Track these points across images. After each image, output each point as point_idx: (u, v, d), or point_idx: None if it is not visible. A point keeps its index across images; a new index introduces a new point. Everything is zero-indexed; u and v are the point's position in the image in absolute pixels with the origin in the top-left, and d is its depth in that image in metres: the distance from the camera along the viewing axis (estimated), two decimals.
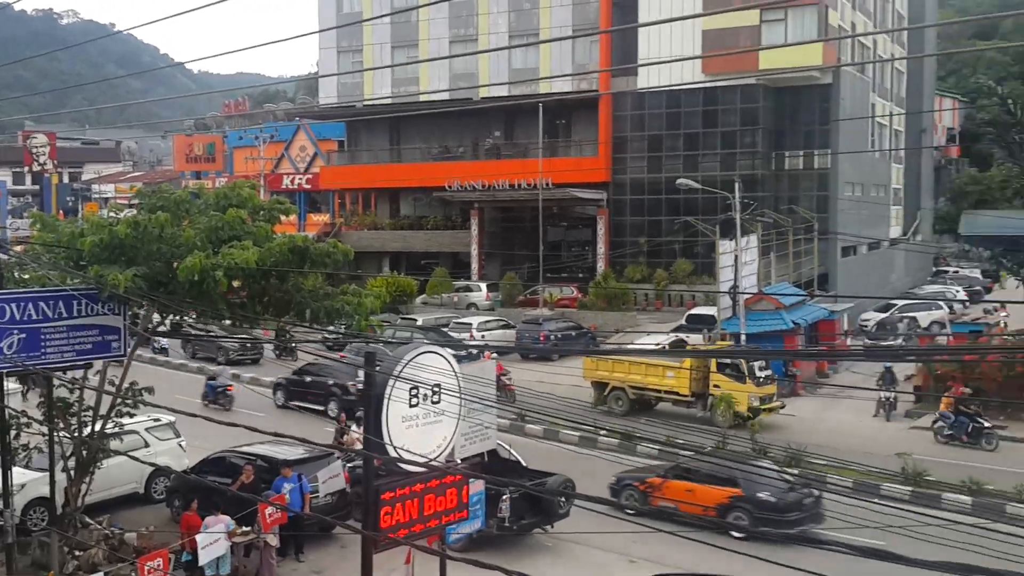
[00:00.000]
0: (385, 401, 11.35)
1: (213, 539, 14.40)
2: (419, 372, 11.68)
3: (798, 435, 24.38)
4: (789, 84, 43.58)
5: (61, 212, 67.00)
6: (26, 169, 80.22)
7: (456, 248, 50.19)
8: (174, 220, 15.24)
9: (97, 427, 16.16)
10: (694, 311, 36.98)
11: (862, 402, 28.00)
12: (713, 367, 26.26)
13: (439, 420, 12.08)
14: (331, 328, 16.55)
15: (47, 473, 16.10)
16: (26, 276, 15.97)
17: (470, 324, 37.94)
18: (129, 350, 15.68)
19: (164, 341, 35.50)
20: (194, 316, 16.92)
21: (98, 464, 16.45)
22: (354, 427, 22.10)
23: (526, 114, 46.17)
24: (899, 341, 34.64)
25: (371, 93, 51.43)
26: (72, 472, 16.02)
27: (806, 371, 31.78)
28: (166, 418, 20.31)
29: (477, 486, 12.72)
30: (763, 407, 26.17)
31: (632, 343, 30.95)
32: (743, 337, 29.51)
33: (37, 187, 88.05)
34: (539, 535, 17.97)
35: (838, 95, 43.01)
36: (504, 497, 16.74)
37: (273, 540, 15.77)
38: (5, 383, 14.98)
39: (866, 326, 40.36)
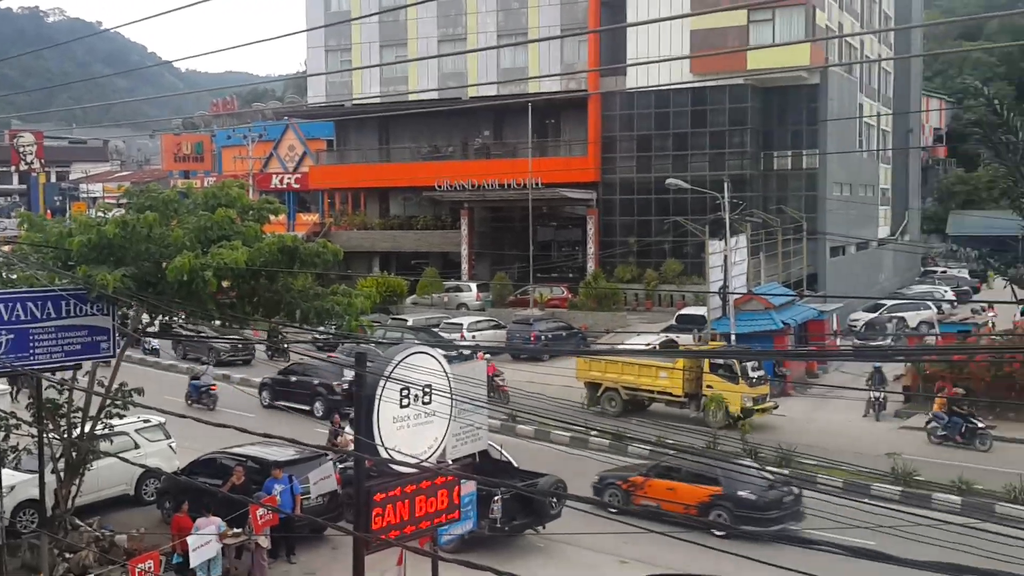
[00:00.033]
0: (376, 402, 11.34)
1: (204, 541, 14.36)
2: (410, 373, 11.67)
3: (788, 435, 24.45)
4: (777, 84, 43.72)
5: (49, 212, 66.71)
6: (13, 168, 79.86)
7: (446, 248, 50.16)
8: (163, 220, 15.19)
9: (87, 428, 16.09)
10: (684, 311, 37.05)
11: (852, 402, 28.10)
12: (706, 367, 26.31)
13: (430, 421, 12.08)
14: (321, 329, 16.52)
15: (37, 475, 16.03)
16: (14, 276, 15.88)
17: (461, 324, 37.93)
18: (118, 351, 15.62)
19: (155, 342, 35.40)
20: (183, 317, 16.87)
21: (88, 466, 16.38)
22: (348, 429, 22.06)
23: (515, 114, 46.18)
24: (888, 341, 34.78)
25: (360, 92, 51.34)
26: (62, 474, 15.94)
27: (796, 371, 31.87)
28: (156, 419, 20.24)
29: (469, 487, 12.71)
30: (756, 408, 26.23)
31: (622, 343, 30.98)
32: (733, 337, 29.59)
33: (24, 186, 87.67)
34: (531, 536, 17.97)
35: (826, 95, 43.17)
36: (496, 498, 16.74)
37: (264, 542, 15.74)
38: None
39: (855, 326, 40.51)
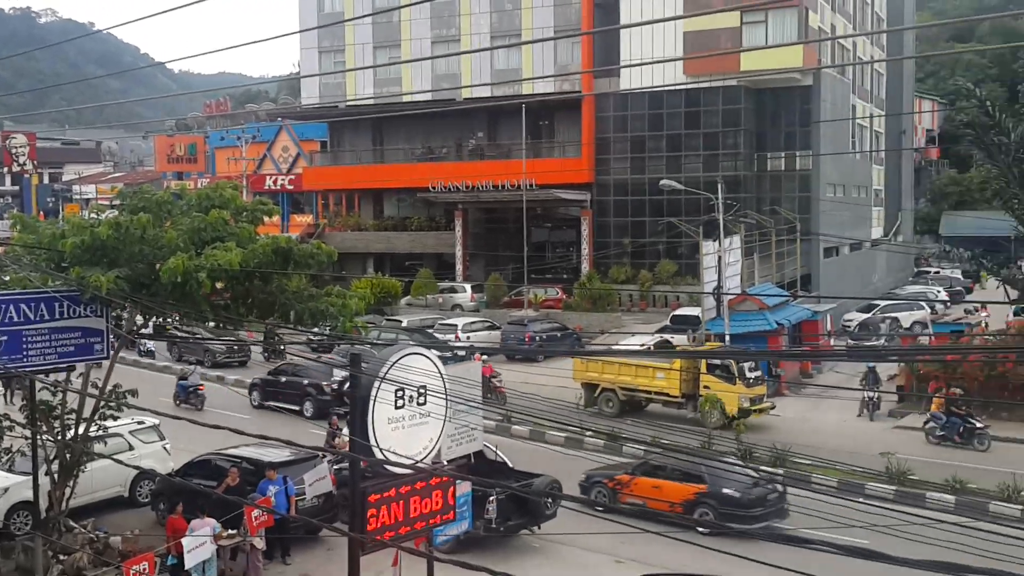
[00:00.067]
0: (371, 403, 11.33)
1: (199, 542, 14.32)
2: (405, 374, 11.66)
3: (783, 435, 24.49)
4: (770, 86, 43.82)
5: (41, 213, 66.43)
6: (6, 170, 79.62)
7: (440, 249, 50.13)
8: (156, 221, 15.16)
9: (81, 430, 16.05)
10: (678, 312, 37.14)
11: (846, 402, 28.16)
12: (703, 368, 26.33)
13: (425, 422, 12.07)
14: (316, 330, 16.50)
15: (30, 477, 15.96)
16: (7, 278, 15.85)
17: (455, 325, 37.92)
18: (112, 352, 15.59)
19: (150, 344, 35.35)
20: (177, 318, 16.83)
21: (82, 467, 16.33)
22: (345, 431, 22.04)
23: (509, 115, 46.19)
24: (881, 341, 34.87)
25: (353, 93, 51.30)
26: (56, 475, 15.88)
27: (790, 371, 31.95)
28: (150, 421, 20.19)
29: (464, 487, 12.72)
30: (753, 408, 26.26)
31: (617, 344, 31.01)
32: (727, 337, 29.64)
33: (17, 188, 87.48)
34: (526, 536, 17.97)
35: (819, 97, 43.29)
36: (491, 498, 16.74)
37: (259, 543, 15.71)
38: None
39: (849, 326, 40.62)
